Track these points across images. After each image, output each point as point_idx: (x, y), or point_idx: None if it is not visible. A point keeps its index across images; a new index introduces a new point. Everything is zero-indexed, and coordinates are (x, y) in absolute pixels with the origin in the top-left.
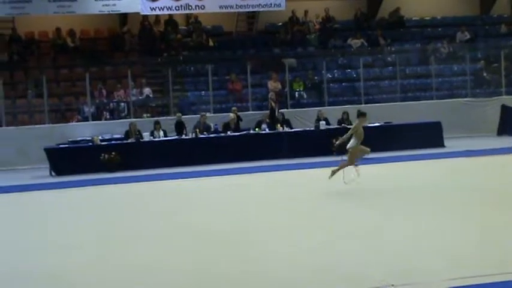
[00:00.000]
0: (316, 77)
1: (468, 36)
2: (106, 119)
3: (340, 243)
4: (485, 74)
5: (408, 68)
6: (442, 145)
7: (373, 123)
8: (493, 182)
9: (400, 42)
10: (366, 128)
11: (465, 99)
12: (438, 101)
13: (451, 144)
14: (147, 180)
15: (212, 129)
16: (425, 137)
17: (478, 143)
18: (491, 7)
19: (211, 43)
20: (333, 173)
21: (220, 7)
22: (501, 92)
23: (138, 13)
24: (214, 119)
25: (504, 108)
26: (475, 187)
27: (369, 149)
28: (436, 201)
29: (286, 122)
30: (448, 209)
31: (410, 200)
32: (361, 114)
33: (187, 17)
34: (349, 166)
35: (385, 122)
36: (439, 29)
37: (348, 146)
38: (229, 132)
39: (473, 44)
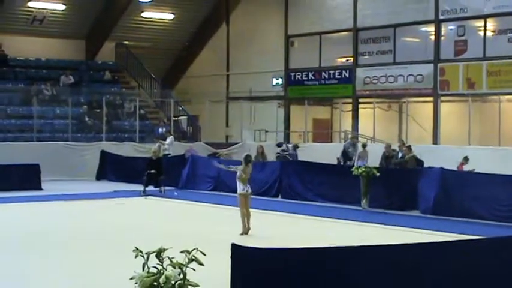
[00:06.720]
0: None
1: (72, 80)
2: None
3: None
4: (87, 119)
5: (9, 107)
6: (39, 188)
7: None
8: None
9: (2, 81)
10: None
11: (66, 142)
12: (38, 143)
13: (49, 187)
14: None
15: None
16: (22, 179)
17: (76, 187)
18: (96, 53)
19: None
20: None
21: None
22: (101, 137)
23: None
24: None
25: (103, 153)
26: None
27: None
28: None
29: None
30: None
31: None
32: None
33: None
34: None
35: None
36: (44, 71)
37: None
38: None
39: (76, 88)
